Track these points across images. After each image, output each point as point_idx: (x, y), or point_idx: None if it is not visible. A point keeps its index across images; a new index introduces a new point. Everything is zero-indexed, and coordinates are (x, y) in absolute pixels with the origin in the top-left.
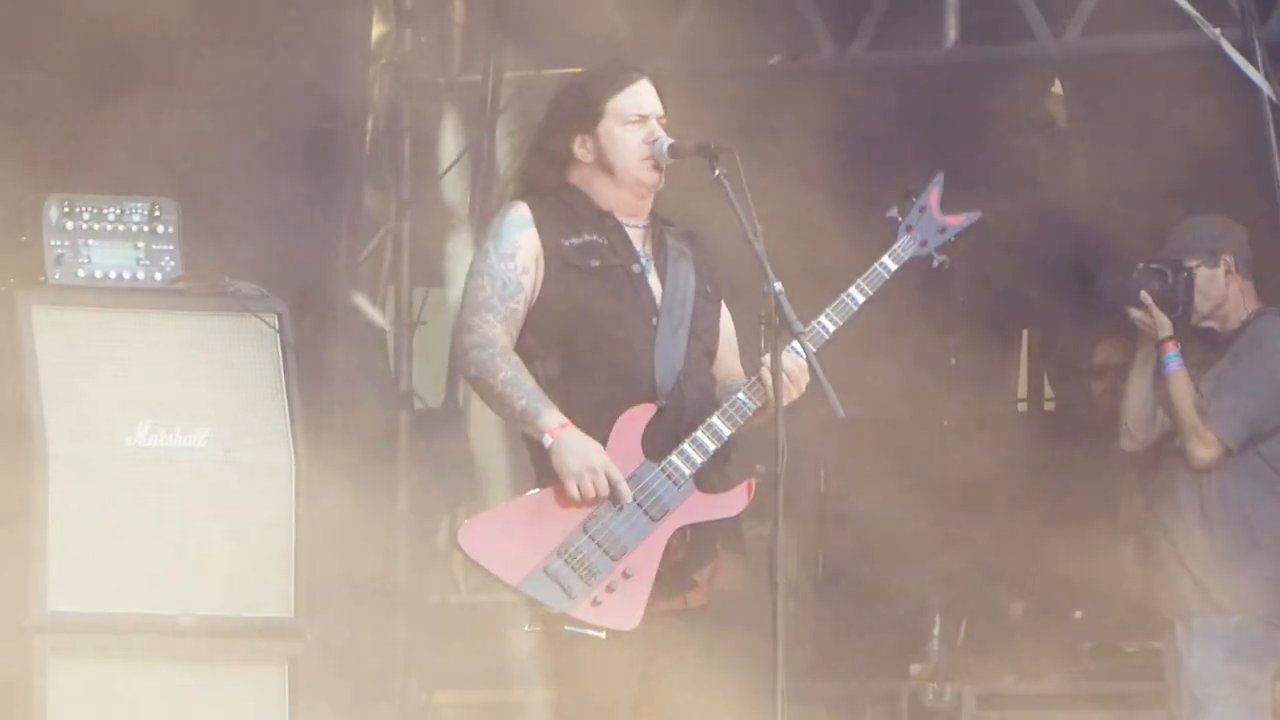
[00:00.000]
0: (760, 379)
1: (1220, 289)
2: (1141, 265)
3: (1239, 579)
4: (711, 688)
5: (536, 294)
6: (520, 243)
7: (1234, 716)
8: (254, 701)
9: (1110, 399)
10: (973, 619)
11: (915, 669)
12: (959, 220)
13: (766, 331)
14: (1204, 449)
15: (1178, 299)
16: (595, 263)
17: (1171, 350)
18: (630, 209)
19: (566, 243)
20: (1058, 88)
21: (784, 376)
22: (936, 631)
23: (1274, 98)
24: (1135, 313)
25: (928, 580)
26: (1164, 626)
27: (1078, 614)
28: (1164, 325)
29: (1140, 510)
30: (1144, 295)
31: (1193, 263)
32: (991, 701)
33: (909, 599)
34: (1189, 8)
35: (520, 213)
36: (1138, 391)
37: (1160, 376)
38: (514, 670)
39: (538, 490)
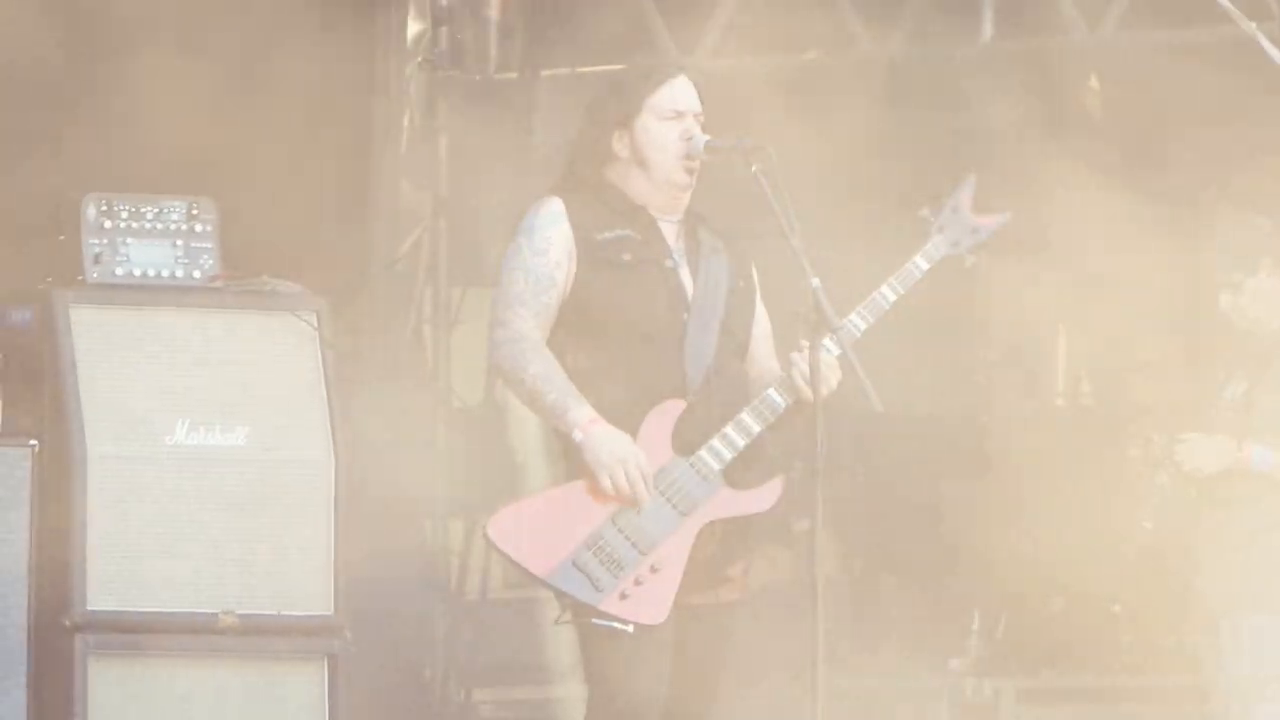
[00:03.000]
0: (792, 375)
1: (1272, 292)
2: None
3: None
4: (747, 681)
5: (569, 289)
6: (553, 238)
7: None
8: (293, 699)
9: (1150, 393)
10: (1012, 613)
11: (954, 663)
12: (990, 221)
13: (805, 327)
14: None
15: None
16: (627, 257)
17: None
18: (665, 204)
19: (599, 237)
20: (1094, 82)
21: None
22: (976, 626)
23: None
24: None
25: (967, 575)
26: (1206, 623)
27: (1116, 608)
28: None
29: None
30: None
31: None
32: (1030, 696)
33: (948, 593)
34: (1225, 2)
35: (554, 208)
36: None
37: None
38: (553, 667)
39: (568, 482)
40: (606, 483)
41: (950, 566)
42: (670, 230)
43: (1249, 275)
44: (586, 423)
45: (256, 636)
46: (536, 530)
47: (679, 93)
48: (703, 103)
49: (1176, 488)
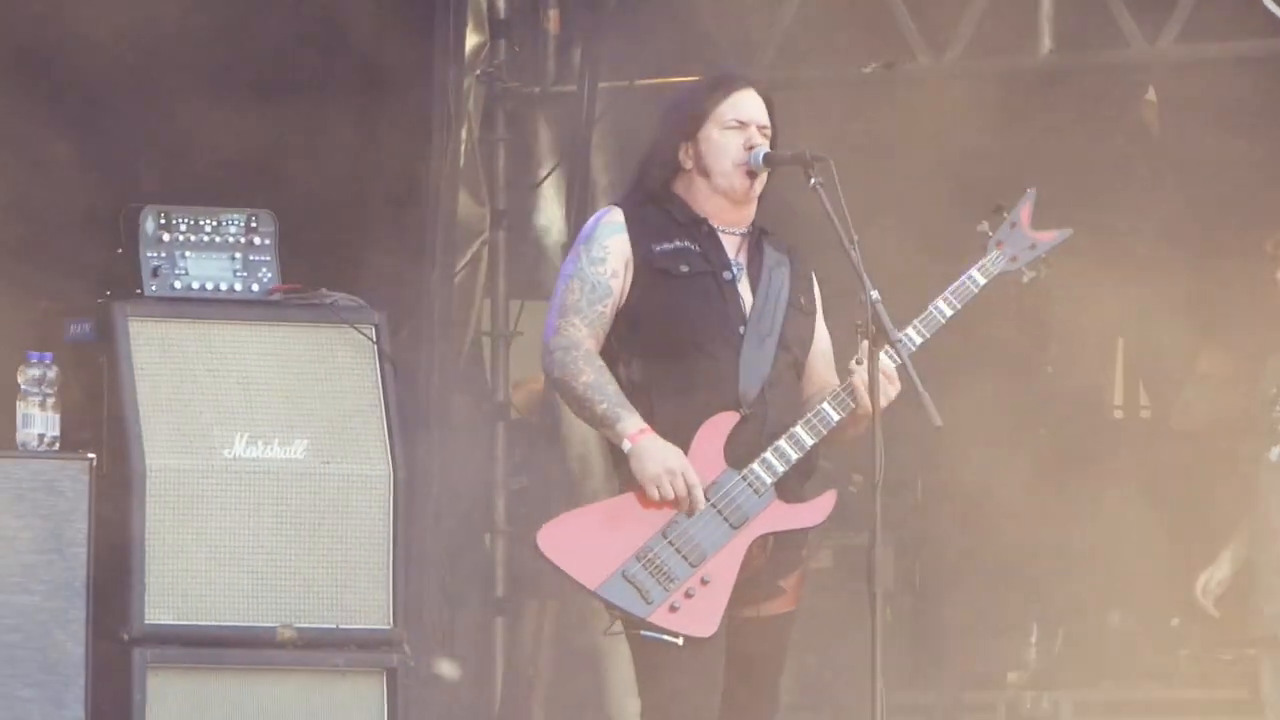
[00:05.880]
0: (848, 388)
1: None
2: None
3: None
4: (801, 694)
5: (624, 298)
6: (611, 247)
7: None
8: (352, 713)
9: (1211, 407)
10: (1069, 627)
11: (1012, 677)
12: (1050, 236)
13: (863, 339)
14: None
15: None
16: (684, 268)
17: None
18: (728, 215)
19: (657, 248)
20: (1152, 95)
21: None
22: (1033, 640)
23: None
24: None
25: (1025, 588)
26: (1267, 639)
27: (1174, 622)
28: None
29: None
30: None
31: None
32: (1088, 709)
33: (1006, 607)
34: None
35: (613, 218)
36: None
37: None
38: (609, 679)
39: (619, 494)
40: (654, 493)
41: (1008, 580)
42: (732, 243)
43: None
44: (635, 433)
45: (315, 650)
46: (586, 542)
47: (743, 104)
48: (773, 118)
49: None
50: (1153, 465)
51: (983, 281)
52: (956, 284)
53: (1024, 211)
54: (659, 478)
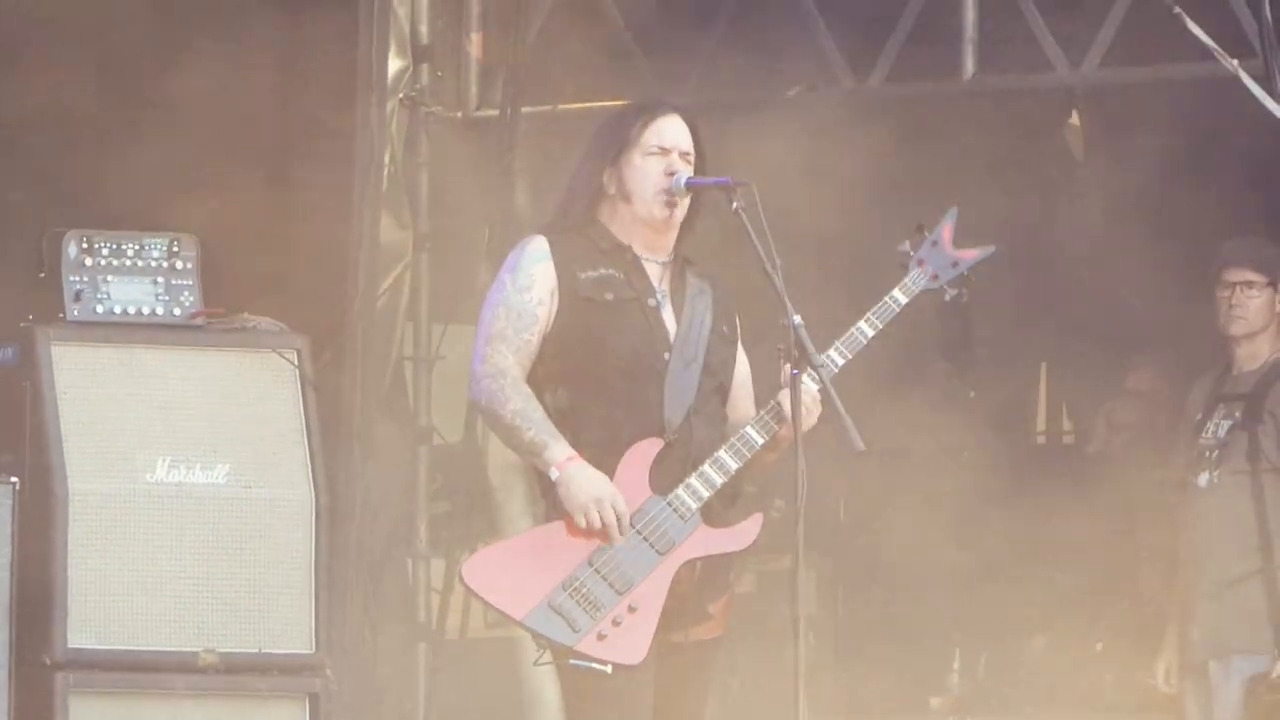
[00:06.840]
0: (771, 411)
1: (1269, 316)
2: None
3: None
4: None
5: (551, 326)
6: (536, 275)
7: None
8: None
9: (1136, 421)
10: (993, 652)
11: (935, 702)
12: (971, 254)
13: (786, 364)
14: None
15: None
16: (609, 296)
17: None
18: (650, 243)
19: (583, 275)
20: (1075, 119)
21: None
22: (957, 665)
23: None
24: None
25: (948, 613)
26: (1192, 665)
27: (1098, 646)
28: None
29: (1163, 540)
30: None
31: (1254, 277)
32: None
33: (929, 632)
34: (1207, 39)
35: (538, 245)
36: None
37: None
38: (533, 706)
39: (544, 524)
40: (581, 521)
41: (931, 604)
42: (655, 270)
43: (1270, 286)
44: (563, 461)
45: (237, 675)
46: (512, 572)
47: (666, 130)
48: (699, 144)
49: None
50: (1076, 490)
51: (904, 301)
52: (878, 305)
53: (945, 230)
54: (586, 506)
